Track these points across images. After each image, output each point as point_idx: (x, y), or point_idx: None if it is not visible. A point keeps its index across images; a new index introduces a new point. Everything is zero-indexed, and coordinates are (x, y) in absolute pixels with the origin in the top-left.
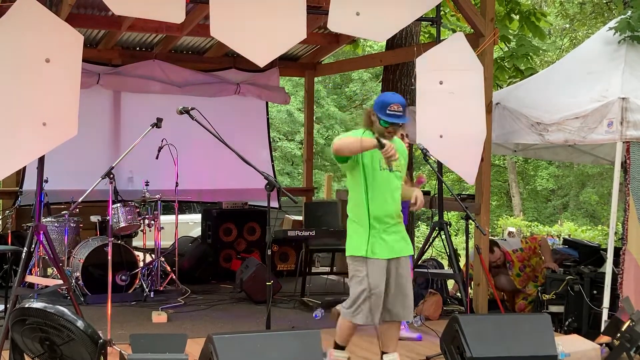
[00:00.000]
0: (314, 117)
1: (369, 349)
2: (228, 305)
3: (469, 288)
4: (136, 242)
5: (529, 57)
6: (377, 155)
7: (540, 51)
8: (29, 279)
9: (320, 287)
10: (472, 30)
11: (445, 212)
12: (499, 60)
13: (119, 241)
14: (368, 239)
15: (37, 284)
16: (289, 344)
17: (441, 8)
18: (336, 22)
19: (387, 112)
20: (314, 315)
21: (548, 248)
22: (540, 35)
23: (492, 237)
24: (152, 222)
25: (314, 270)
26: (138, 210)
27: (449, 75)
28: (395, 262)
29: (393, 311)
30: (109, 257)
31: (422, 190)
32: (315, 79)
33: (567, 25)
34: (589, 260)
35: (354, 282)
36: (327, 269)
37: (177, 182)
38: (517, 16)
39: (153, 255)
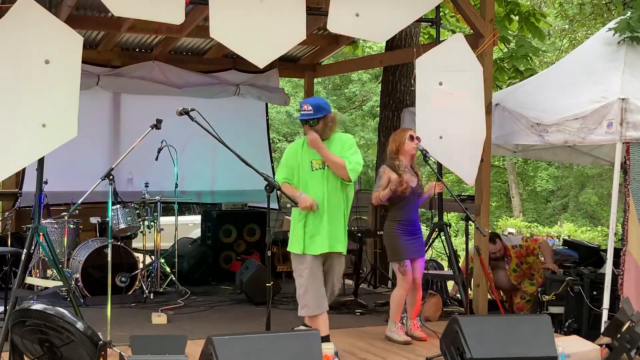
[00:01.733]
0: None
1: (369, 350)
2: (228, 306)
3: (469, 289)
4: (136, 243)
5: (528, 58)
6: (308, 157)
7: (540, 52)
8: (29, 280)
9: None
10: (472, 31)
11: (445, 213)
12: (498, 61)
13: (119, 242)
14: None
15: (37, 286)
16: (288, 345)
17: (441, 9)
18: (336, 23)
19: (300, 112)
20: None
21: (549, 249)
22: (539, 36)
23: (493, 230)
24: (152, 223)
25: None
26: (138, 211)
27: (448, 76)
28: (326, 254)
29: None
30: (109, 259)
31: None
32: (315, 80)
33: (567, 26)
34: (589, 261)
35: None
36: None
37: (176, 184)
38: (517, 17)
39: (153, 257)
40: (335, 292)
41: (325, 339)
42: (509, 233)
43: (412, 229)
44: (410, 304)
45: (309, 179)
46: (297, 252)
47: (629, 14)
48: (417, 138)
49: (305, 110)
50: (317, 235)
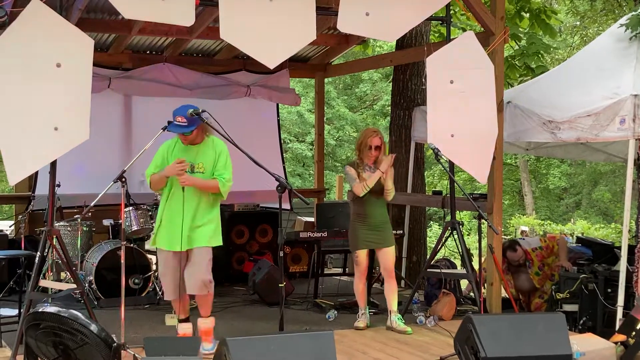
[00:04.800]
0: (325, 118)
1: (383, 350)
2: (241, 307)
3: (482, 288)
4: (149, 245)
5: (539, 55)
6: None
7: (551, 49)
8: (43, 283)
9: (333, 288)
10: (483, 28)
11: (458, 211)
12: (509, 59)
13: (132, 244)
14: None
15: (51, 288)
16: (302, 346)
17: (451, 7)
18: (346, 23)
19: (174, 122)
20: (327, 316)
21: (565, 247)
22: (550, 33)
23: (512, 237)
24: None
25: (326, 271)
26: (150, 213)
27: (459, 75)
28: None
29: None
30: (122, 261)
31: (434, 190)
32: (326, 80)
33: (578, 23)
34: (603, 259)
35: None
36: (340, 270)
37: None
38: (528, 14)
39: None
40: (201, 282)
41: (185, 320)
42: (522, 231)
43: (372, 221)
44: (387, 294)
45: (175, 179)
46: (152, 245)
47: None
48: (377, 147)
49: (179, 122)
50: (173, 233)
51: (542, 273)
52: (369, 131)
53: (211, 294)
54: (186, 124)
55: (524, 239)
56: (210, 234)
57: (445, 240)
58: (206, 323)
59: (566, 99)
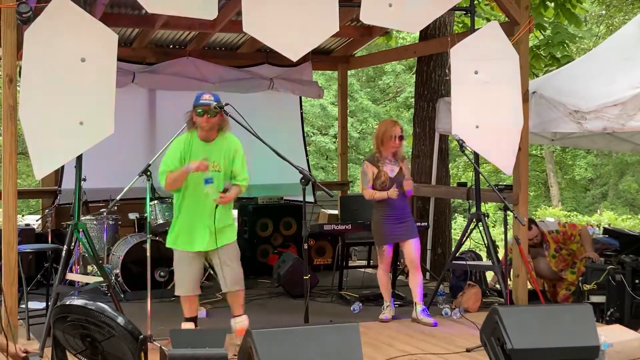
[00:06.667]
0: (348, 111)
1: (409, 342)
2: (266, 300)
3: (508, 279)
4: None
5: (565, 45)
6: (191, 159)
7: (577, 38)
8: (70, 276)
9: (358, 280)
10: (507, 18)
11: (483, 203)
12: (534, 49)
13: (157, 238)
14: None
15: (78, 282)
16: (327, 338)
17: None
18: (369, 14)
19: (200, 101)
20: (352, 308)
21: (589, 237)
22: (576, 22)
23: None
24: None
25: (350, 263)
26: None
27: (484, 65)
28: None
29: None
30: (148, 254)
31: (459, 182)
32: (349, 72)
33: (603, 12)
34: (630, 250)
35: None
36: (364, 262)
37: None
38: (552, 3)
39: None
40: (232, 277)
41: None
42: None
43: (397, 213)
44: (412, 286)
45: (195, 181)
46: (169, 245)
47: None
48: (400, 137)
49: (205, 99)
50: (195, 234)
51: (558, 256)
52: (389, 122)
53: (244, 290)
54: (213, 100)
55: (543, 221)
56: (233, 230)
57: (471, 232)
58: (242, 321)
59: (592, 88)
